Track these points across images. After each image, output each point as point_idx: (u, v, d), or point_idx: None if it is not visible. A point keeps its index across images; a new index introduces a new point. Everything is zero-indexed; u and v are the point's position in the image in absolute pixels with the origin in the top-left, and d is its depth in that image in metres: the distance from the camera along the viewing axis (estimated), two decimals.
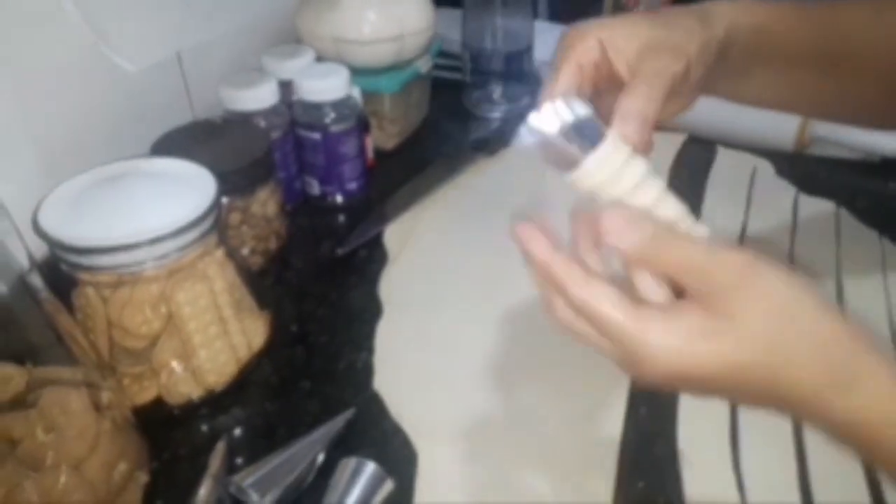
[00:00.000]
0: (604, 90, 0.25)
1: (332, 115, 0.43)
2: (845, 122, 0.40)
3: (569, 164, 0.21)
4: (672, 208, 0.22)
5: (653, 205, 0.21)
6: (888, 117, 0.32)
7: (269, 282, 0.40)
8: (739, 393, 0.20)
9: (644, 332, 0.19)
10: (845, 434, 0.19)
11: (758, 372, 0.18)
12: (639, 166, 0.22)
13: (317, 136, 0.43)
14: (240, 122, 0.41)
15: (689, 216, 0.22)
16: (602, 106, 0.23)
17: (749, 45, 0.27)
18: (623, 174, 0.21)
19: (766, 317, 0.18)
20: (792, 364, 0.18)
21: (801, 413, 0.19)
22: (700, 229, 0.22)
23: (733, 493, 0.28)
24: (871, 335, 0.19)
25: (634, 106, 0.23)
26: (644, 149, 0.22)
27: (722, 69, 0.27)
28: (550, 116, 0.21)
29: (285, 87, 0.43)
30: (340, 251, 0.41)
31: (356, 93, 0.44)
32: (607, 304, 0.19)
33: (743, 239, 0.41)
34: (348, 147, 0.44)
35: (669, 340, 0.19)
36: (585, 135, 0.21)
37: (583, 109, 0.21)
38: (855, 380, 0.18)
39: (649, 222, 0.20)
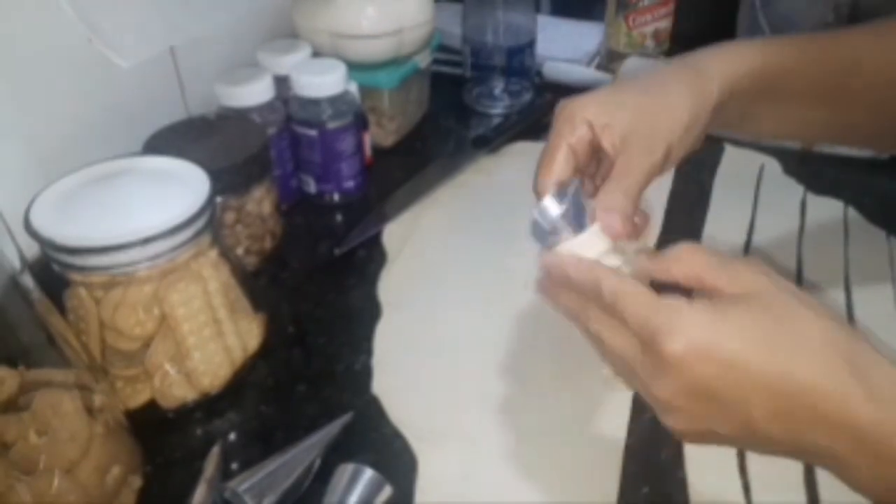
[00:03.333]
0: (600, 160, 0.28)
1: (329, 111, 0.42)
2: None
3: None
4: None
5: None
6: (891, 140, 0.32)
7: (264, 282, 0.39)
8: (756, 398, 0.19)
9: (673, 308, 0.20)
10: (867, 441, 0.18)
11: (776, 360, 0.18)
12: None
13: (313, 132, 0.42)
14: (234, 118, 0.40)
15: None
16: (598, 176, 0.27)
17: (749, 92, 0.28)
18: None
19: (777, 318, 0.19)
20: (809, 354, 0.18)
21: (817, 425, 0.18)
22: None
23: (739, 497, 0.27)
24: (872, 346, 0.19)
25: (613, 202, 0.25)
26: (630, 236, 0.24)
27: (721, 118, 0.27)
28: (552, 204, 0.24)
29: (281, 82, 0.42)
30: (338, 251, 0.41)
31: (354, 88, 0.44)
32: (640, 292, 0.21)
33: (750, 237, 0.41)
34: (346, 144, 0.43)
35: (697, 313, 0.19)
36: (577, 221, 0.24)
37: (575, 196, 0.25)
38: (876, 381, 0.18)
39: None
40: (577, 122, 0.26)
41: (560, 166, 0.26)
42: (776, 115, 0.29)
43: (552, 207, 0.24)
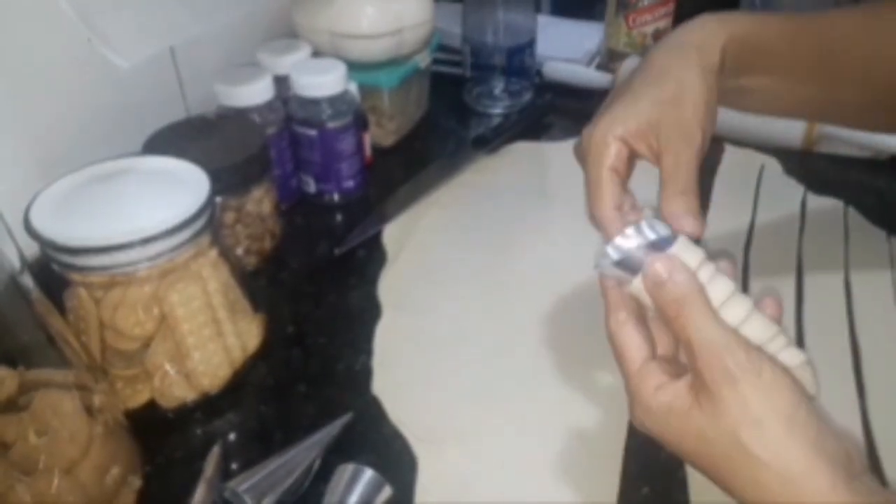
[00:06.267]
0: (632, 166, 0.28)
1: (329, 111, 0.42)
2: (843, 125, 0.42)
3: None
4: (744, 306, 0.23)
5: (724, 305, 0.23)
6: (881, 121, 0.33)
7: (263, 282, 0.39)
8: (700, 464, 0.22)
9: (639, 385, 0.23)
10: None
11: (714, 460, 0.21)
12: (709, 269, 0.23)
13: (313, 132, 0.42)
14: (234, 118, 0.40)
15: (778, 332, 0.23)
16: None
17: (740, 58, 0.28)
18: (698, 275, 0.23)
19: (737, 424, 0.21)
20: (750, 472, 0.20)
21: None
22: (791, 354, 0.23)
23: None
24: (850, 465, 0.20)
25: (676, 206, 0.25)
26: (700, 232, 0.25)
27: (720, 86, 0.27)
28: (626, 239, 0.24)
29: (281, 82, 0.42)
30: (338, 251, 0.41)
31: (353, 88, 0.44)
32: (628, 347, 0.24)
33: (750, 237, 0.41)
34: (345, 144, 0.43)
35: (653, 402, 0.22)
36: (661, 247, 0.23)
37: (660, 227, 0.24)
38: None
39: (693, 285, 0.22)
40: (610, 143, 0.26)
41: (611, 192, 0.26)
42: (766, 91, 0.30)
43: (627, 241, 0.23)
